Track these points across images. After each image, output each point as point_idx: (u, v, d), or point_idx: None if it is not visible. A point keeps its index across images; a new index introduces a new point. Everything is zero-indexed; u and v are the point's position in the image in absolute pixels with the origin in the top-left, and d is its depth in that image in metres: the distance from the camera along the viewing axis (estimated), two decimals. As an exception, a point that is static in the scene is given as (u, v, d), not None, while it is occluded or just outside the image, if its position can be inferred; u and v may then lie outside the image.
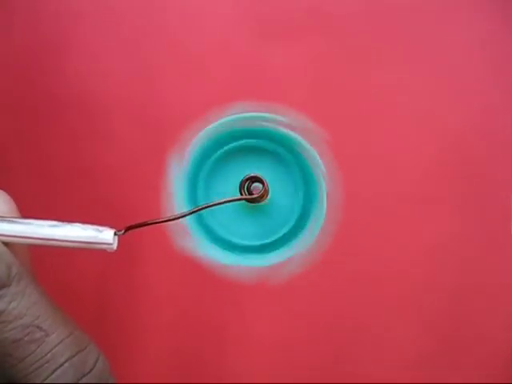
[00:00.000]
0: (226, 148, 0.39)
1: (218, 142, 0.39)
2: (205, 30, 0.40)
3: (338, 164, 0.39)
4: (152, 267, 0.41)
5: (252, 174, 0.37)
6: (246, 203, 0.39)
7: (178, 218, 0.30)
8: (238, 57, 0.40)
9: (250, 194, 0.37)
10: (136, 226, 0.29)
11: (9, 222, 0.28)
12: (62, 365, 0.27)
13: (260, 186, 0.37)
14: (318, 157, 0.39)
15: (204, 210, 0.36)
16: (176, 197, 0.39)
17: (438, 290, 0.40)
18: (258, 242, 0.40)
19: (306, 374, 0.41)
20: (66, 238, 0.28)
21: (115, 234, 0.29)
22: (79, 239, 0.28)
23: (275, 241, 0.40)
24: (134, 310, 0.41)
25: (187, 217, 0.31)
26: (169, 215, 0.30)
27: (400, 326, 0.40)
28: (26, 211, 0.30)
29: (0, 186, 0.30)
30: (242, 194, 0.36)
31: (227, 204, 0.38)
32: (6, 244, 0.28)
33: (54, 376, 0.27)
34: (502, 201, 0.39)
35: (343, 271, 0.40)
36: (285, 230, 0.40)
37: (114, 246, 0.29)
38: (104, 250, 0.29)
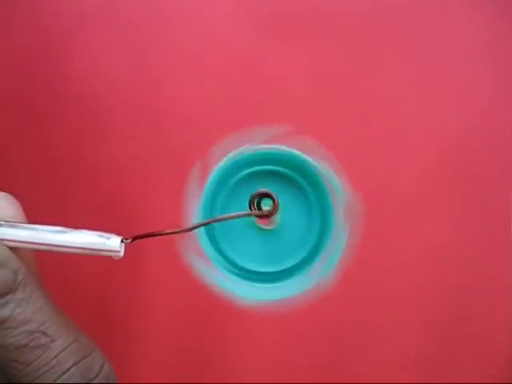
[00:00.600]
0: (241, 174, 0.39)
1: (234, 167, 0.39)
2: (205, 30, 0.40)
3: (337, 163, 0.39)
4: (154, 269, 0.40)
5: (262, 190, 0.36)
6: (260, 227, 0.39)
7: (186, 230, 0.30)
8: (239, 57, 0.40)
9: (260, 210, 0.36)
10: (143, 236, 0.29)
11: (15, 227, 0.28)
12: (67, 370, 0.27)
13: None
14: (333, 181, 0.38)
15: (218, 234, 0.37)
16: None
17: (438, 291, 0.40)
18: (270, 269, 0.39)
19: (306, 374, 0.40)
20: (73, 245, 0.28)
21: (122, 241, 0.29)
22: (86, 246, 0.28)
23: (288, 268, 0.39)
24: (136, 311, 0.41)
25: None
26: (177, 228, 0.30)
27: (400, 326, 0.40)
28: (29, 212, 0.30)
29: (2, 187, 0.30)
30: (251, 210, 0.36)
31: (241, 229, 0.38)
32: (12, 249, 0.28)
33: (59, 382, 0.27)
34: (502, 201, 0.39)
35: (343, 271, 0.39)
36: (299, 257, 0.39)
37: (121, 254, 0.29)
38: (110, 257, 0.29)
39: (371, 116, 0.40)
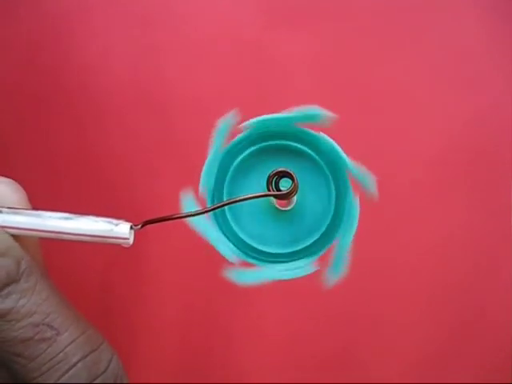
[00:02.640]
0: (254, 148, 0.38)
1: (248, 141, 0.38)
2: (212, 18, 0.39)
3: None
4: (159, 262, 0.40)
5: (280, 169, 0.33)
6: (276, 208, 0.37)
7: (199, 213, 0.28)
8: (246, 44, 0.39)
9: (278, 190, 0.34)
10: (155, 221, 0.28)
11: (18, 213, 0.27)
12: (74, 365, 0.26)
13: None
14: (349, 159, 0.38)
15: (230, 215, 0.36)
16: (202, 194, 0.38)
17: (439, 291, 0.39)
18: (285, 250, 0.38)
19: (311, 373, 0.40)
20: (80, 232, 0.27)
21: (131, 227, 0.27)
22: (93, 233, 0.27)
23: (304, 248, 0.38)
24: (139, 307, 0.40)
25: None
26: (189, 211, 0.28)
27: (401, 327, 0.39)
28: (32, 202, 0.29)
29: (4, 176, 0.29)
30: (269, 191, 0.34)
31: (256, 210, 0.37)
32: (15, 237, 0.27)
33: (66, 377, 0.26)
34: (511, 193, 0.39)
35: (350, 267, 0.39)
36: (315, 236, 0.38)
37: (131, 241, 0.27)
38: (118, 245, 0.27)
39: (380, 105, 0.39)
